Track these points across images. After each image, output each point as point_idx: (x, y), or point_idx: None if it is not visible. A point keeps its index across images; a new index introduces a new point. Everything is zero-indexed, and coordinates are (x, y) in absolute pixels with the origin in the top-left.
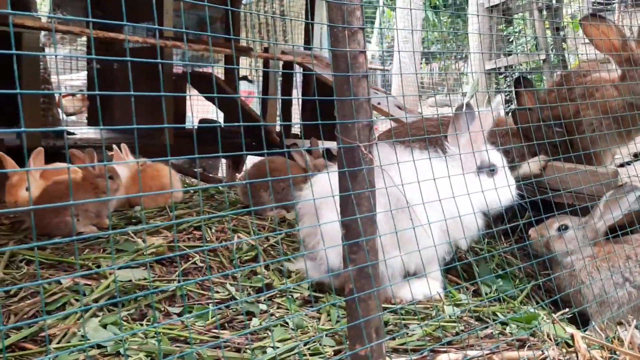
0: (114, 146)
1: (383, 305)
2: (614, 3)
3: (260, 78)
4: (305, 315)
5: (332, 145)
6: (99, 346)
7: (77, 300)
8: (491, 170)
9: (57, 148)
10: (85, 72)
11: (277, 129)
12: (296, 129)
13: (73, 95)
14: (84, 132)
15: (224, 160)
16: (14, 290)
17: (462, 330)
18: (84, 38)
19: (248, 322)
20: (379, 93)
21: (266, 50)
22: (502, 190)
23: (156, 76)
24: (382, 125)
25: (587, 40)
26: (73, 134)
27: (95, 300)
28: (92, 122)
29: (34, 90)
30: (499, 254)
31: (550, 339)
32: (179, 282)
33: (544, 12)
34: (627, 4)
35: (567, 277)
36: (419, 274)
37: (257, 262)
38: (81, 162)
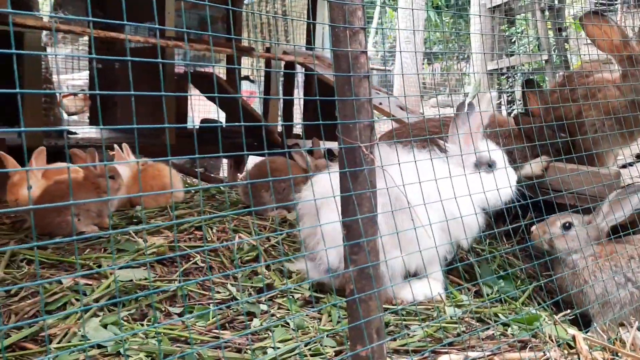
0: (115, 146)
1: (384, 306)
2: (616, 3)
3: (262, 78)
4: (306, 315)
5: (333, 145)
6: (99, 346)
7: (77, 300)
8: (489, 166)
9: (59, 147)
10: (87, 72)
11: (279, 129)
12: (298, 129)
13: (74, 94)
14: (86, 131)
15: (225, 161)
16: (15, 289)
17: (464, 331)
18: (86, 38)
19: (249, 322)
20: (381, 93)
21: (268, 50)
22: (502, 185)
23: (158, 76)
24: (384, 126)
25: (589, 41)
26: (75, 133)
27: (96, 300)
28: (93, 121)
29: (36, 89)
30: (501, 254)
31: (551, 340)
32: (179, 282)
33: (547, 13)
34: (629, 5)
35: (570, 276)
36: (420, 274)
37: (258, 262)
38: (83, 161)
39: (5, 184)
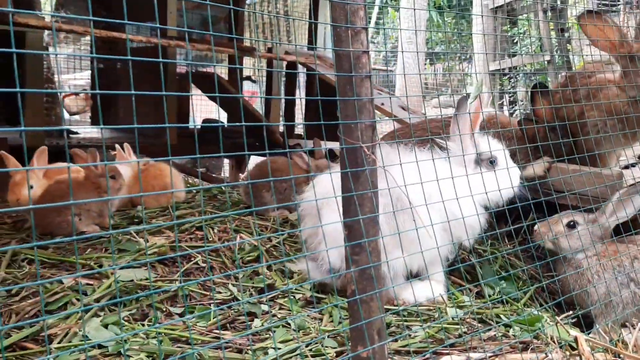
0: (117, 146)
1: (385, 307)
2: (618, 4)
3: (264, 78)
4: (307, 316)
5: (335, 145)
6: (100, 346)
7: (78, 299)
8: (491, 162)
9: (61, 147)
10: (89, 72)
11: (280, 129)
12: (299, 129)
13: (76, 94)
14: (88, 131)
15: (227, 161)
16: (16, 289)
17: (465, 332)
18: (88, 37)
19: (250, 322)
20: (383, 93)
21: (270, 50)
22: (504, 182)
23: (159, 76)
24: (386, 126)
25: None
26: (77, 133)
27: (97, 300)
28: (95, 121)
29: (38, 89)
30: (503, 255)
31: (553, 342)
32: (180, 282)
33: (549, 13)
34: (632, 5)
35: (573, 276)
36: (422, 274)
37: (259, 262)
38: (84, 161)
39: (7, 184)
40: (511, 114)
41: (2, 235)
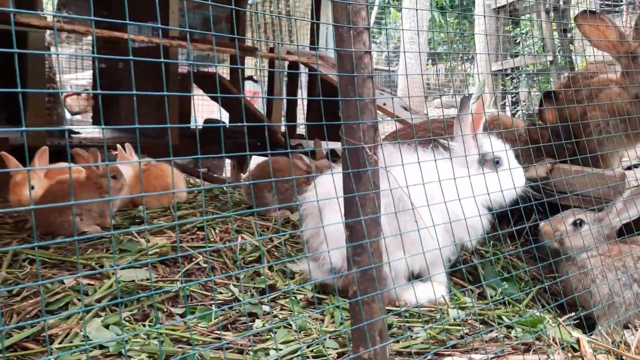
0: (118, 146)
1: (387, 308)
2: (621, 4)
3: (265, 78)
4: (309, 317)
5: (336, 145)
6: (101, 347)
7: (79, 300)
8: (496, 162)
9: (62, 147)
10: (91, 72)
11: (282, 129)
12: (301, 130)
13: (78, 94)
14: (89, 131)
15: (228, 161)
16: (17, 289)
17: (467, 334)
18: (90, 37)
19: (251, 323)
20: (385, 94)
21: (271, 50)
22: (508, 183)
23: (161, 76)
24: (388, 127)
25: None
26: (78, 133)
27: (98, 301)
28: (96, 121)
29: (39, 89)
30: (505, 256)
31: (555, 343)
32: (182, 282)
33: (551, 14)
34: (635, 5)
35: (578, 276)
36: (424, 275)
37: (261, 263)
38: (85, 162)
39: (8, 184)
40: (513, 115)
41: (3, 235)
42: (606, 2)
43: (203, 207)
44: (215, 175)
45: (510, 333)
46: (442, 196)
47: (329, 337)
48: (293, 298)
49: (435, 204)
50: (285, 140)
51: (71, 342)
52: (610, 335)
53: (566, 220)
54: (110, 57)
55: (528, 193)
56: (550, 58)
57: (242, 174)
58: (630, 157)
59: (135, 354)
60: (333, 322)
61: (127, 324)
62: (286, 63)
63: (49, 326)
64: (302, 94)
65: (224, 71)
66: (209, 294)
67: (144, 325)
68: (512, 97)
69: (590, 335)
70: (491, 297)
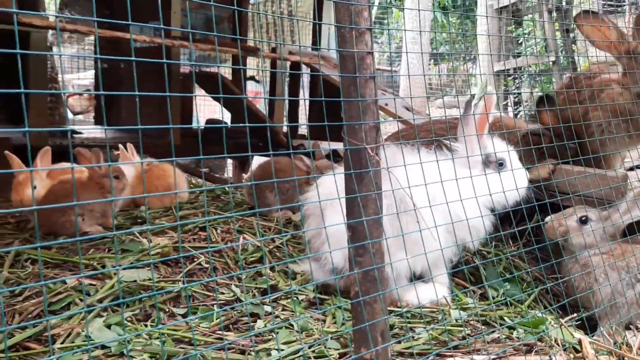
0: (120, 146)
1: (389, 309)
2: (624, 4)
3: (267, 78)
4: (311, 317)
5: (338, 146)
6: (103, 347)
7: (81, 300)
8: (499, 164)
9: (64, 147)
10: (93, 71)
11: (284, 129)
12: (303, 130)
13: (80, 94)
14: (91, 131)
15: (230, 161)
16: (19, 289)
17: (469, 335)
18: (92, 37)
19: (253, 323)
20: (387, 94)
21: (273, 50)
22: (511, 184)
23: (163, 76)
24: (390, 127)
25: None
26: (80, 133)
27: (100, 301)
28: (98, 121)
29: (42, 89)
30: (507, 257)
31: (557, 344)
32: (183, 283)
33: (554, 14)
34: (637, 6)
35: (580, 271)
36: (426, 276)
37: (263, 263)
38: (87, 161)
39: (11, 184)
40: (515, 115)
41: (5, 235)
42: (609, 2)
43: (205, 207)
44: (216, 175)
45: (512, 334)
46: (444, 197)
47: (331, 338)
48: (295, 298)
49: (438, 205)
50: (287, 141)
51: (73, 342)
52: (612, 336)
53: (572, 216)
54: (112, 57)
55: (531, 194)
56: (552, 58)
57: (243, 174)
58: (632, 157)
59: (137, 354)
60: (335, 323)
61: (129, 324)
62: (288, 63)
63: (51, 326)
64: (304, 95)
65: (225, 71)
66: (211, 294)
67: (146, 326)
68: (515, 98)
69: (592, 336)
70: (493, 297)
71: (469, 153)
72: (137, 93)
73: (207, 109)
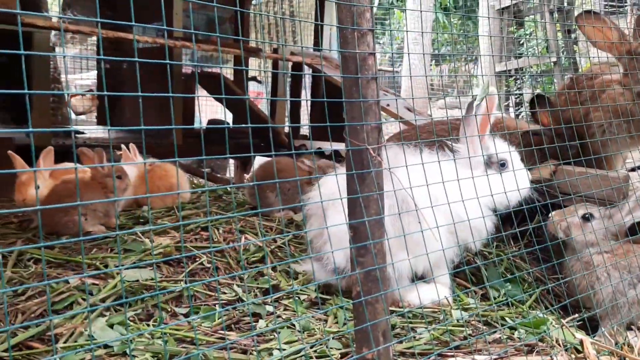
0: (123, 146)
1: (390, 309)
2: (626, 6)
3: (269, 79)
4: (312, 317)
5: (340, 146)
6: (105, 346)
7: (84, 299)
8: (501, 165)
9: (67, 147)
10: (95, 72)
11: (286, 130)
12: (305, 130)
13: (82, 95)
14: (93, 131)
15: (232, 161)
16: (22, 289)
17: (470, 335)
18: (94, 38)
19: (255, 323)
20: (388, 95)
21: (275, 51)
22: (513, 185)
23: (165, 76)
24: (391, 127)
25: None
26: (83, 133)
27: (102, 300)
28: (101, 121)
29: (44, 89)
30: (508, 258)
31: (559, 345)
32: (186, 282)
33: (555, 15)
34: (639, 7)
35: (582, 271)
36: (427, 277)
37: (265, 263)
38: (90, 161)
39: (13, 183)
40: (517, 116)
41: (8, 235)
42: (610, 3)
43: (207, 207)
44: (218, 175)
45: (513, 334)
46: (446, 197)
47: (333, 338)
48: (297, 298)
49: (439, 205)
50: (289, 141)
51: (76, 342)
52: (614, 336)
53: (577, 213)
54: (115, 58)
55: (532, 195)
56: (554, 59)
57: (245, 174)
58: (633, 158)
59: (140, 353)
60: (336, 323)
61: (132, 323)
62: (290, 64)
63: (53, 325)
64: (306, 95)
65: (227, 72)
66: (213, 294)
67: (148, 325)
68: (516, 98)
69: (594, 336)
70: (494, 298)
71: (471, 154)
72: (140, 94)
73: (208, 109)
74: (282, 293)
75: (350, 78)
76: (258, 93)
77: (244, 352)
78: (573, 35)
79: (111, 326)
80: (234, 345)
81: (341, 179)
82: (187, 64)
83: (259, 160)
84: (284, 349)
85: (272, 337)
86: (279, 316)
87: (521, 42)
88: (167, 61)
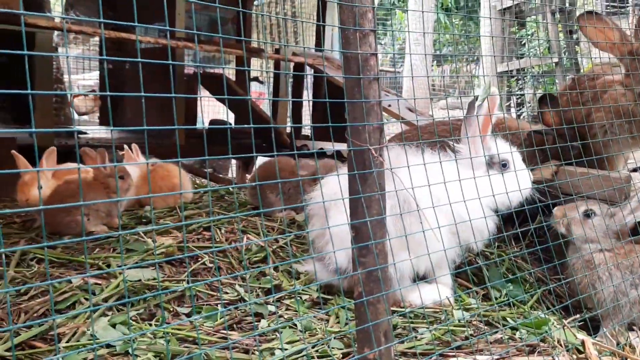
0: (125, 146)
1: (392, 309)
2: (628, 6)
3: (271, 79)
4: (314, 317)
5: (342, 147)
6: (108, 346)
7: (86, 299)
8: (503, 165)
9: (69, 147)
10: (97, 72)
11: (288, 130)
12: (307, 130)
13: (85, 95)
14: (96, 131)
15: (234, 161)
16: (24, 288)
17: (472, 335)
18: (97, 38)
19: (257, 323)
20: (390, 95)
21: (277, 51)
22: (515, 186)
23: (167, 76)
24: (393, 128)
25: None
26: (85, 133)
27: (105, 300)
28: (103, 121)
29: (47, 90)
30: (510, 258)
31: (560, 345)
32: (188, 282)
33: (557, 15)
34: None
35: (583, 269)
36: (429, 277)
37: (267, 263)
38: (93, 161)
39: (16, 184)
40: (518, 116)
41: (11, 235)
42: (612, 4)
43: (210, 207)
44: (220, 175)
45: (514, 334)
46: (447, 198)
47: (334, 338)
48: (298, 298)
49: (441, 206)
50: (290, 142)
51: (78, 341)
52: (615, 337)
53: (578, 208)
54: (118, 58)
55: (534, 195)
56: (555, 59)
57: (247, 175)
58: (635, 159)
59: (142, 353)
60: (338, 323)
61: (134, 323)
62: (292, 64)
63: (56, 325)
64: (308, 95)
65: (229, 72)
66: (215, 293)
67: (151, 325)
68: (517, 99)
69: (595, 337)
70: (496, 298)
71: (473, 154)
72: (143, 94)
73: (210, 109)
74: (284, 293)
75: (352, 78)
76: (260, 93)
77: (246, 351)
78: (575, 36)
79: (113, 326)
80: (236, 345)
81: (343, 179)
82: (189, 65)
83: (260, 161)
84: (286, 349)
85: (274, 337)
86: (280, 316)
87: (523, 43)
88: (170, 61)
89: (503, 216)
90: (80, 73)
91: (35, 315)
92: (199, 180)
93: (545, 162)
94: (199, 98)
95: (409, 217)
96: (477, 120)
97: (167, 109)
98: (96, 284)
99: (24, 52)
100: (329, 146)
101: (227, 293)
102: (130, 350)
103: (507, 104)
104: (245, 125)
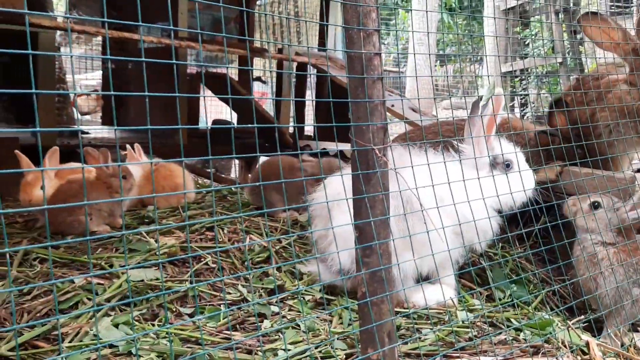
0: (128, 146)
1: (396, 310)
2: (632, 6)
3: (274, 79)
4: (317, 317)
5: (346, 147)
6: (110, 346)
7: (89, 299)
8: (507, 165)
9: (72, 147)
10: (100, 72)
11: (291, 130)
12: (310, 130)
13: (87, 95)
14: (98, 130)
15: (236, 161)
16: (27, 288)
17: (476, 336)
18: (99, 38)
19: (260, 323)
20: (393, 95)
21: (280, 51)
22: (518, 186)
23: (170, 76)
24: (396, 128)
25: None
26: (87, 133)
27: (108, 300)
28: (106, 121)
29: (50, 89)
30: (514, 259)
31: (564, 346)
32: (191, 282)
33: (561, 15)
34: None
35: (587, 264)
36: (433, 278)
37: (270, 263)
38: (96, 161)
39: (19, 183)
40: (522, 116)
41: (13, 235)
42: (616, 4)
43: (213, 207)
44: (223, 175)
45: (519, 336)
46: (451, 198)
47: (338, 338)
48: (302, 299)
49: (445, 206)
50: (293, 141)
51: (81, 341)
52: (619, 337)
53: (586, 200)
54: (121, 58)
55: (538, 196)
56: (559, 60)
57: (249, 175)
58: None
59: (145, 353)
60: (341, 323)
61: (137, 323)
62: (295, 64)
63: (59, 325)
64: (311, 95)
65: (232, 72)
66: (218, 294)
67: (154, 325)
68: (521, 99)
69: (599, 338)
70: (500, 299)
71: (477, 154)
72: (146, 94)
73: (213, 109)
74: (287, 293)
75: (356, 78)
76: (263, 93)
77: (249, 352)
78: (579, 36)
79: (116, 326)
80: (239, 345)
81: (346, 179)
82: (192, 64)
83: (263, 161)
84: (289, 350)
85: (277, 337)
86: (284, 316)
87: (527, 43)
88: (174, 61)
89: (507, 217)
90: (83, 73)
91: (38, 315)
92: (201, 180)
93: (550, 163)
94: (202, 98)
95: (413, 218)
96: (481, 120)
97: (170, 109)
98: (99, 284)
99: (29, 52)
100: (332, 146)
101: (230, 293)
102: (133, 351)
103: (511, 104)
104: (249, 125)
